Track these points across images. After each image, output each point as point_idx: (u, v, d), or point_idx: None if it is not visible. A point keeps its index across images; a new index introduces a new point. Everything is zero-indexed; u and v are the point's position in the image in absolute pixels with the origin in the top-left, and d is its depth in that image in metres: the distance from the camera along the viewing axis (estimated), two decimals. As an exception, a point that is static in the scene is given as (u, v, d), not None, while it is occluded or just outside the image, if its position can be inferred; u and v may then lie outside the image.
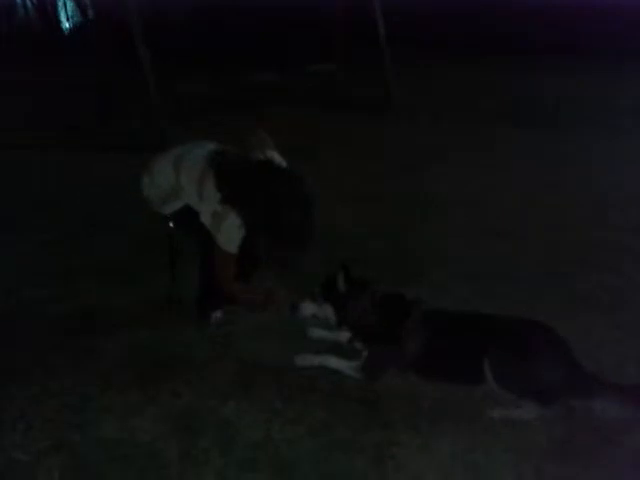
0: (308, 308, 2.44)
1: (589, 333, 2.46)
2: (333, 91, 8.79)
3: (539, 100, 7.38)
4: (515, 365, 2.00)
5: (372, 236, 3.60)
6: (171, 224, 2.64)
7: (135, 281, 3.10)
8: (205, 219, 2.39)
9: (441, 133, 6.27)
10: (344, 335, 2.42)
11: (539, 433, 1.95)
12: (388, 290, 2.39)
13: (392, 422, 2.02)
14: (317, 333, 2.53)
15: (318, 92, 8.79)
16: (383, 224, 3.82)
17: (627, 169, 4.79)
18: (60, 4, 16.84)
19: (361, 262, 2.75)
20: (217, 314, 2.75)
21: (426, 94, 8.20)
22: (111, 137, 6.48)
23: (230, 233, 2.35)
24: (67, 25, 17.16)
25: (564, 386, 1.97)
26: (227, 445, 1.92)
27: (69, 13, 17.17)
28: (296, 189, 2.30)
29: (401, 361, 2.24)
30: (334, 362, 2.31)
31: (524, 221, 3.81)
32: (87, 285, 3.10)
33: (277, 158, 2.55)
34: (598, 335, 2.46)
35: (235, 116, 6.83)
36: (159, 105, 5.99)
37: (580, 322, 2.53)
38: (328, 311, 2.39)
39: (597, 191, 4.32)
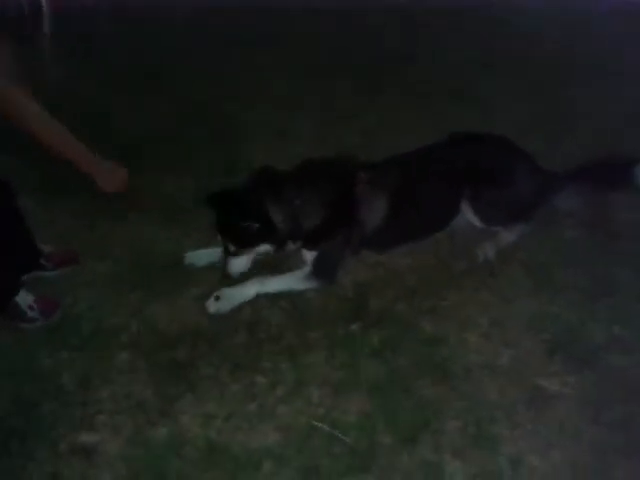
0: (237, 264, 1.74)
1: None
2: None
3: None
4: (496, 198, 1.86)
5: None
6: None
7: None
8: None
9: None
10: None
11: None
12: (308, 168, 1.82)
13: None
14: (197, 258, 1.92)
15: None
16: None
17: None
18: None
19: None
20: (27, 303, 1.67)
21: None
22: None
23: None
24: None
25: (538, 196, 1.94)
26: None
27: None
28: None
29: (358, 241, 1.82)
30: (273, 283, 1.72)
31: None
32: None
33: None
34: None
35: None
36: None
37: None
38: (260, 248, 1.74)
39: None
